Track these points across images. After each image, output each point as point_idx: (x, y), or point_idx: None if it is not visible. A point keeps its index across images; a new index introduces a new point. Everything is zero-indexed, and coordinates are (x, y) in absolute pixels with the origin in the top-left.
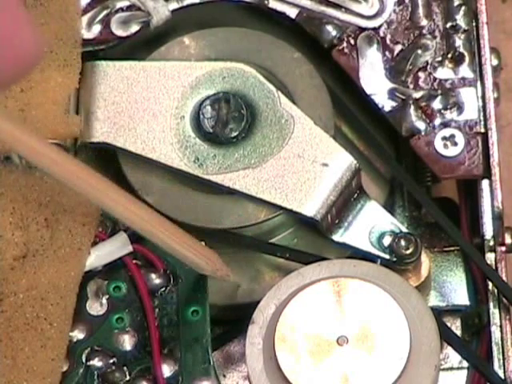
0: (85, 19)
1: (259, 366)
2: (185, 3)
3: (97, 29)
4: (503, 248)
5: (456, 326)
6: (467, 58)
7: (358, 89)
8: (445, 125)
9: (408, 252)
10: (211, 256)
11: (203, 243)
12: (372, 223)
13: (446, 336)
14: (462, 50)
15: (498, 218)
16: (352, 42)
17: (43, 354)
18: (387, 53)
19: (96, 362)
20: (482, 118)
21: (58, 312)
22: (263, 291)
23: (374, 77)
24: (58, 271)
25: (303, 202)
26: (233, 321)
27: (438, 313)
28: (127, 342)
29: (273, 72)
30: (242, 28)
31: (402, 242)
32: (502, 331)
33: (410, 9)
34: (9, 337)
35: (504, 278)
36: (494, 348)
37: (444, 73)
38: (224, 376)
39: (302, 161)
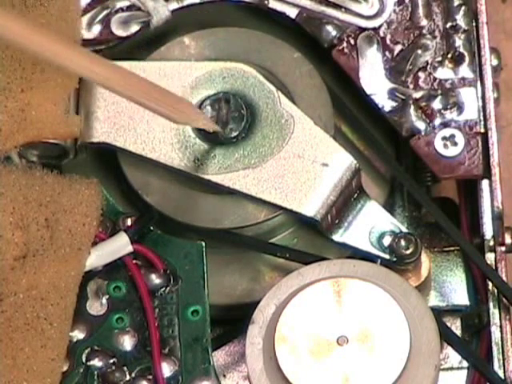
0: (85, 19)
1: (259, 366)
2: (185, 3)
3: (97, 29)
4: (503, 248)
5: (456, 326)
6: (467, 58)
7: (358, 89)
8: (445, 125)
9: (408, 252)
10: (184, 107)
11: (184, 102)
12: (372, 223)
13: (445, 336)
14: (462, 50)
15: (497, 217)
16: (352, 41)
17: (43, 353)
18: (387, 53)
19: (96, 362)
20: (481, 118)
21: (58, 312)
22: (263, 291)
23: (374, 77)
24: (58, 271)
25: (303, 201)
26: (233, 321)
27: (438, 313)
28: (127, 342)
29: (273, 72)
30: (242, 28)
31: (402, 242)
32: (501, 331)
33: (410, 9)
34: (9, 337)
35: (504, 278)
36: (494, 348)
37: (444, 73)
38: (224, 376)
39: (302, 161)
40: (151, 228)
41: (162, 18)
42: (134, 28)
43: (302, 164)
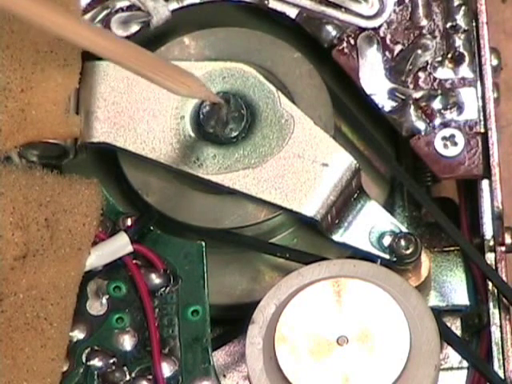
0: (85, 19)
1: (259, 366)
2: (185, 3)
3: None
4: (503, 248)
5: (456, 326)
6: (467, 58)
7: (358, 89)
8: (445, 125)
9: (408, 252)
10: (187, 79)
11: (186, 74)
12: (372, 223)
13: (445, 336)
14: (462, 50)
15: (497, 217)
16: (352, 41)
17: (43, 353)
18: (387, 53)
19: (96, 362)
20: (481, 118)
21: (58, 312)
22: (263, 291)
23: (374, 77)
24: (58, 271)
25: (303, 202)
26: (233, 321)
27: (438, 313)
28: (127, 342)
29: (273, 72)
30: (242, 28)
31: (402, 242)
32: (501, 331)
33: (409, 9)
34: (9, 337)
35: (504, 278)
36: (494, 348)
37: (444, 73)
38: (224, 376)
39: (302, 161)
40: (151, 228)
41: (162, 18)
42: (134, 28)
43: (302, 164)
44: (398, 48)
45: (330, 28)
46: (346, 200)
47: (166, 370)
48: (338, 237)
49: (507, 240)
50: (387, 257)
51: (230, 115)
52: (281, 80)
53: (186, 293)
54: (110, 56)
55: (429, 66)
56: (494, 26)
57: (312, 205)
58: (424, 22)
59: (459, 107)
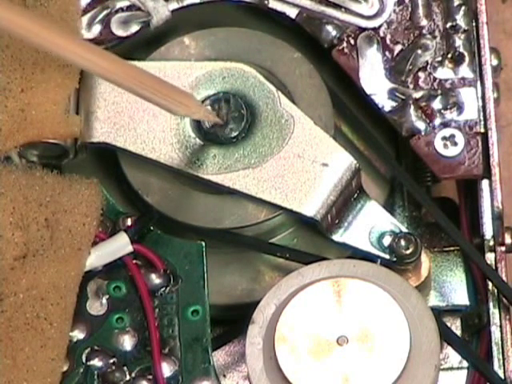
0: (85, 19)
1: (259, 366)
2: (185, 3)
3: (97, 29)
4: (503, 248)
5: (456, 326)
6: (467, 58)
7: (358, 89)
8: (445, 125)
9: (408, 252)
10: (184, 99)
11: (184, 94)
12: (372, 223)
13: (446, 336)
14: (461, 50)
15: (497, 217)
16: (352, 41)
17: (43, 353)
18: (387, 53)
19: (96, 362)
20: (481, 118)
21: (58, 312)
22: (263, 291)
23: (374, 77)
24: (58, 271)
25: (303, 201)
26: (233, 321)
27: (438, 313)
28: (127, 342)
29: (273, 72)
30: (242, 28)
31: (402, 242)
32: (501, 331)
33: (410, 9)
34: (9, 337)
35: (504, 278)
36: (494, 348)
37: (444, 73)
38: (224, 376)
39: (302, 161)
40: (151, 228)
41: (162, 18)
42: (134, 28)
43: (302, 164)
44: (397, 48)
45: (330, 28)
46: (346, 200)
47: (166, 369)
48: (338, 237)
49: (507, 240)
50: (387, 257)
51: (229, 115)
52: (281, 80)
53: (186, 293)
54: (108, 76)
55: (429, 66)
56: (493, 26)
57: (312, 205)
58: (424, 22)
59: (459, 107)
